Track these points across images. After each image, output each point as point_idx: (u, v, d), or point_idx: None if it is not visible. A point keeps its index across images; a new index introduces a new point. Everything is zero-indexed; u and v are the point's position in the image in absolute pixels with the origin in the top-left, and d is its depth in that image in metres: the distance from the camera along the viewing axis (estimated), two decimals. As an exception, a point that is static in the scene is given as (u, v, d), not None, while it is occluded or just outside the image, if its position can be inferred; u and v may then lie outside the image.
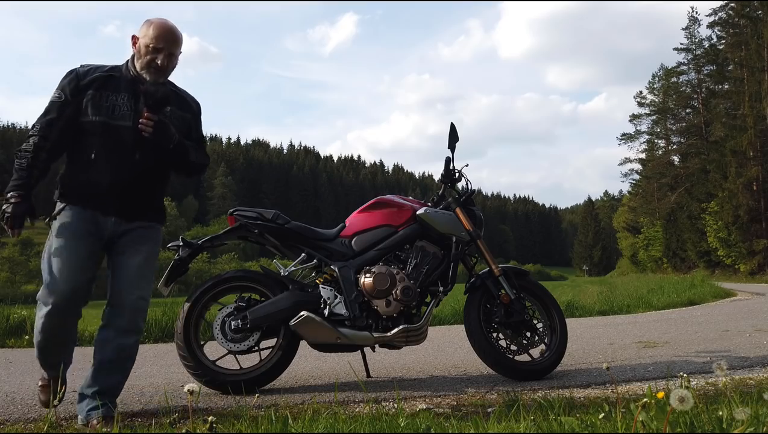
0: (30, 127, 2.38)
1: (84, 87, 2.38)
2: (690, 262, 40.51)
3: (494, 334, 3.37)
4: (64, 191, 2.40)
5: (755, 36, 32.73)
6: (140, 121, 2.34)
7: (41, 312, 2.30)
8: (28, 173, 2.29)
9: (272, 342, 3.17)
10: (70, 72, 2.43)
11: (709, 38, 42.02)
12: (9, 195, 2.25)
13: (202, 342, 3.12)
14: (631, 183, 53.80)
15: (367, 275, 3.15)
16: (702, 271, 33.68)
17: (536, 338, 3.38)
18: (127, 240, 2.43)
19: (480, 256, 3.50)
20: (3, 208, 2.24)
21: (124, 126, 2.37)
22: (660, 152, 48.98)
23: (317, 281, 3.25)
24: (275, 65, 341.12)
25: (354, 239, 3.32)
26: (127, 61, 2.49)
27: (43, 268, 2.32)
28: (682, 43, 44.97)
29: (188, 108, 2.63)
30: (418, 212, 3.37)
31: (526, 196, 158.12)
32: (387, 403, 2.67)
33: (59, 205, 2.38)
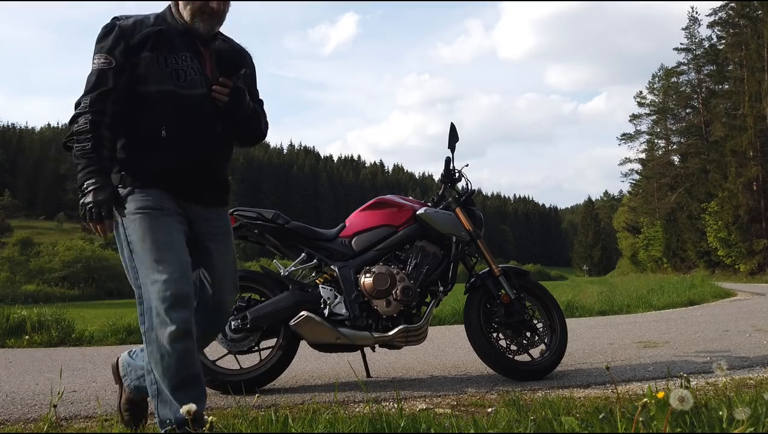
0: (75, 105, 1.87)
1: (136, 47, 1.89)
2: (690, 262, 40.50)
3: (494, 334, 3.37)
4: (128, 178, 1.92)
5: (755, 36, 32.73)
6: (213, 88, 1.95)
7: (163, 325, 1.78)
8: (97, 154, 1.82)
9: (272, 342, 3.17)
10: (110, 27, 1.91)
11: (709, 38, 42.05)
12: (84, 185, 1.80)
13: (202, 342, 3.12)
14: (631, 183, 53.89)
15: (367, 275, 3.15)
16: (702, 271, 33.68)
17: (536, 338, 3.38)
18: (212, 231, 2.04)
19: (480, 256, 3.50)
20: (81, 202, 1.80)
21: (197, 94, 1.93)
22: (660, 152, 48.98)
23: (317, 281, 3.25)
24: (275, 65, 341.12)
25: (354, 239, 3.32)
26: (170, 8, 2.02)
27: (139, 268, 1.85)
28: (682, 43, 45.01)
29: (246, 63, 2.16)
30: (418, 212, 3.37)
31: (526, 196, 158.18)
32: (387, 403, 2.67)
33: (122, 191, 1.91)
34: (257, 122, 2.16)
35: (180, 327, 1.77)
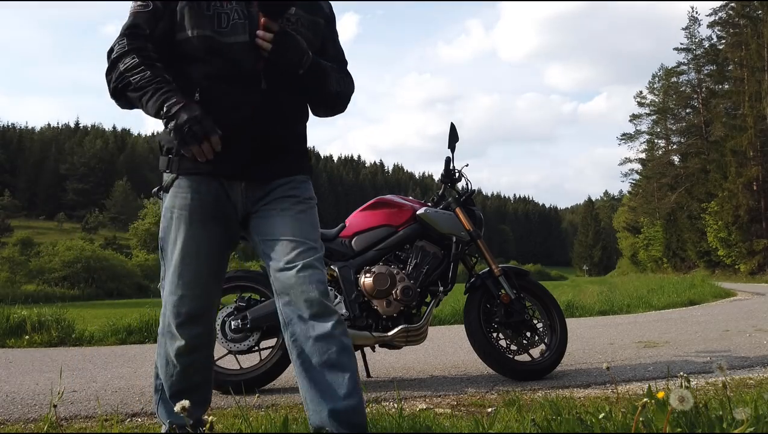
0: (108, 52, 1.59)
1: None
2: (690, 262, 40.51)
3: (494, 334, 3.37)
4: (174, 161, 1.66)
5: (755, 36, 32.75)
6: (257, 33, 1.60)
7: (173, 339, 1.68)
8: (163, 78, 1.54)
9: (272, 342, 3.17)
10: None
11: (709, 38, 42.12)
12: (165, 108, 1.50)
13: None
14: (631, 183, 53.91)
15: (367, 275, 3.15)
16: (702, 271, 33.70)
17: (536, 338, 3.38)
18: (269, 201, 1.69)
19: (480, 256, 3.50)
20: (173, 126, 1.49)
21: (239, 43, 1.61)
22: (660, 152, 49.00)
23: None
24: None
25: (354, 239, 3.32)
26: None
27: (164, 267, 1.70)
28: (682, 43, 45.09)
29: (319, 10, 1.81)
30: (418, 212, 3.37)
31: (526, 196, 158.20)
32: (387, 403, 2.67)
33: (167, 176, 1.69)
34: (321, 79, 1.72)
35: (188, 344, 1.67)
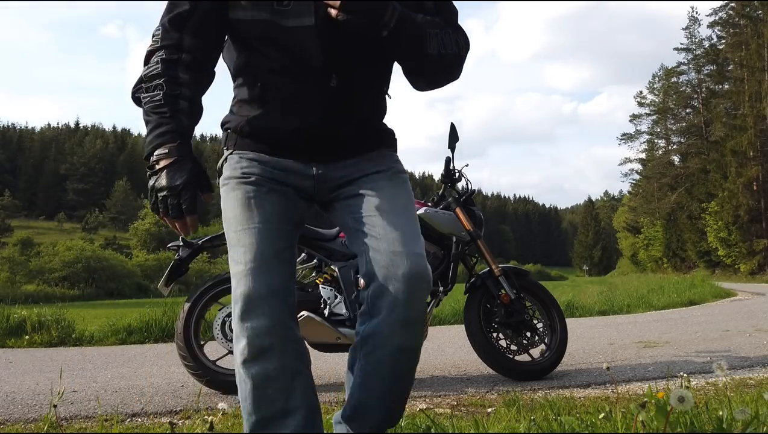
0: (153, 36, 1.33)
1: None
2: (690, 262, 40.53)
3: (494, 334, 3.37)
4: (232, 137, 1.42)
5: (755, 36, 32.78)
6: None
7: (237, 338, 1.25)
8: (171, 109, 1.27)
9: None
10: None
11: (709, 38, 42.16)
12: (154, 157, 1.25)
13: (202, 342, 3.12)
14: (631, 183, 53.94)
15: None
16: (702, 271, 33.71)
17: (536, 338, 3.38)
18: (355, 176, 1.41)
19: (480, 256, 3.50)
20: (151, 185, 1.26)
21: (304, 28, 1.29)
22: (660, 152, 49.03)
23: (317, 281, 3.25)
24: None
25: (354, 239, 3.31)
26: None
27: (228, 242, 1.34)
28: (682, 43, 45.15)
29: None
30: (418, 212, 3.37)
31: (526, 196, 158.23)
32: (387, 403, 2.67)
33: (226, 153, 1.44)
34: (416, 44, 1.30)
35: (251, 344, 1.22)
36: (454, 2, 1.42)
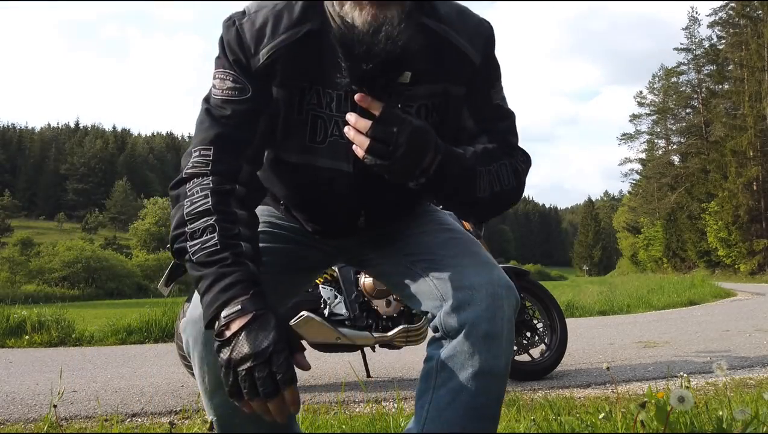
0: (181, 166, 1.06)
1: (261, 73, 1.05)
2: (690, 262, 40.53)
3: (494, 334, 3.37)
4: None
5: (755, 36, 32.79)
6: (345, 130, 0.98)
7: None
8: (233, 252, 0.96)
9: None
10: (229, 23, 1.07)
11: (709, 38, 42.22)
12: (222, 320, 0.91)
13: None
14: (631, 183, 53.94)
15: (367, 275, 3.15)
16: (702, 271, 33.71)
17: (536, 338, 3.38)
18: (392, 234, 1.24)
19: (480, 256, 3.49)
20: (223, 358, 0.89)
21: (339, 171, 1.11)
22: (660, 152, 49.04)
23: (317, 281, 3.25)
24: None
25: (354, 239, 3.31)
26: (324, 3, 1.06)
27: None
28: (682, 43, 45.26)
29: (455, 64, 1.10)
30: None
31: (526, 196, 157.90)
32: (387, 403, 2.67)
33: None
34: (463, 186, 1.06)
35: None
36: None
